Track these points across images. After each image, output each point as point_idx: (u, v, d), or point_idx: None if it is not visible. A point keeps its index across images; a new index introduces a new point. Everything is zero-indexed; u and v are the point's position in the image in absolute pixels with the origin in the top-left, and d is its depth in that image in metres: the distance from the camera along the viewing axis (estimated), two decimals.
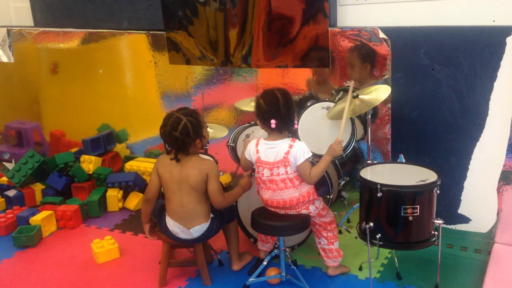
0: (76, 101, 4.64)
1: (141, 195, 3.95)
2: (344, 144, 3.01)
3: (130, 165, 4.16)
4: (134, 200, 3.97)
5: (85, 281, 3.03)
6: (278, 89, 2.66)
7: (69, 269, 3.16)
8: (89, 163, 4.10)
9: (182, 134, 2.64)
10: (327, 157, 2.68)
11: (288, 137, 2.70)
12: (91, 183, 4.10)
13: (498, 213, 3.06)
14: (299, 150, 2.61)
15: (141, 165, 4.14)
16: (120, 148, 4.54)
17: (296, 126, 2.66)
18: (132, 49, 4.24)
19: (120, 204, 3.99)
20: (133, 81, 4.35)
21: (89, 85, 4.52)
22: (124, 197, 4.03)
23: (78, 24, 4.38)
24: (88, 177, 4.10)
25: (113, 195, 3.95)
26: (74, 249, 3.41)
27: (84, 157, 4.13)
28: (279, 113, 2.59)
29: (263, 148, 2.71)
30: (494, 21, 2.82)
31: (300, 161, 2.61)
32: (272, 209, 2.78)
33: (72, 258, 3.29)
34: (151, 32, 4.06)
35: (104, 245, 3.25)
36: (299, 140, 2.72)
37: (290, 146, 2.63)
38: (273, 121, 2.59)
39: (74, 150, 4.43)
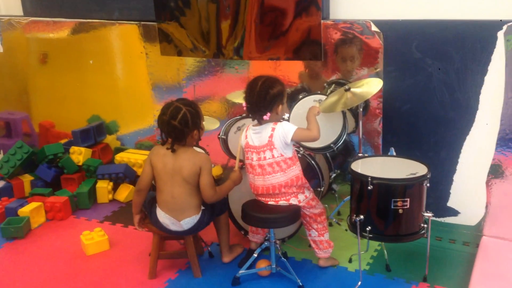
0: (66, 91, 4.59)
1: (131, 187, 3.94)
2: (335, 137, 3.02)
3: (120, 157, 4.14)
4: (124, 192, 3.95)
5: (74, 273, 3.01)
6: (266, 78, 2.70)
7: (58, 261, 3.15)
8: (79, 155, 4.07)
9: (181, 123, 2.63)
10: (311, 117, 2.77)
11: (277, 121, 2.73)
12: (80, 175, 4.07)
13: (486, 206, 3.09)
14: (283, 129, 2.66)
15: (131, 156, 4.11)
16: (110, 139, 4.51)
17: (266, 117, 2.66)
18: (123, 39, 4.20)
19: (110, 196, 3.98)
20: (124, 72, 4.32)
21: (79, 75, 4.48)
22: (114, 188, 4.01)
23: (68, 14, 4.33)
24: (78, 169, 4.07)
25: (103, 186, 3.93)
26: (63, 241, 3.39)
27: (73, 149, 4.10)
28: (251, 98, 2.67)
29: (250, 134, 2.75)
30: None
31: (290, 136, 2.65)
32: (261, 198, 2.78)
33: (61, 250, 3.28)
34: (142, 22, 4.02)
35: (94, 237, 3.24)
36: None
37: (273, 129, 2.67)
38: (244, 104, 2.71)
39: (63, 141, 4.39)
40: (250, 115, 2.76)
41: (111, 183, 3.98)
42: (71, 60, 4.47)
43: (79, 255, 3.20)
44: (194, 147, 2.93)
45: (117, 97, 4.40)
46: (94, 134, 4.30)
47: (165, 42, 3.93)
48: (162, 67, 4.08)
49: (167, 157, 2.73)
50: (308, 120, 2.78)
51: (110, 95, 4.42)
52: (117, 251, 3.24)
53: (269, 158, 2.69)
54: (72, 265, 3.10)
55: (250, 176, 2.79)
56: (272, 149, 2.67)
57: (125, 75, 4.32)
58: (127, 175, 3.94)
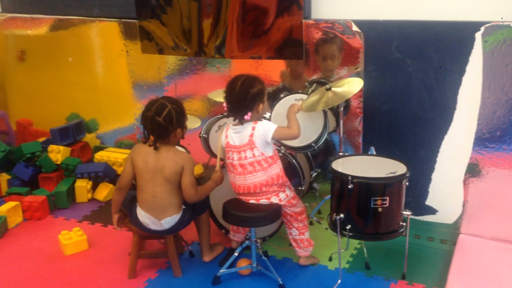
0: (44, 89, 4.53)
1: (111, 186, 3.90)
2: (316, 137, 3.04)
3: (100, 156, 4.09)
4: (104, 191, 3.91)
5: (52, 273, 2.97)
6: (246, 77, 2.69)
7: (36, 261, 3.10)
8: (57, 153, 4.01)
9: (165, 120, 2.62)
10: (292, 115, 2.78)
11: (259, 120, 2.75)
12: (59, 174, 4.02)
13: (463, 205, 3.14)
14: (263, 128, 2.67)
15: (111, 155, 4.07)
16: (89, 138, 4.46)
17: (247, 117, 2.66)
18: (103, 37, 4.16)
19: (89, 195, 3.93)
20: (104, 69, 4.27)
21: (58, 73, 4.42)
22: (94, 188, 3.97)
23: (47, 11, 4.26)
24: (56, 168, 4.02)
25: (82, 186, 3.88)
26: (40, 241, 3.33)
27: (52, 147, 4.04)
28: (231, 98, 2.67)
29: (231, 133, 2.74)
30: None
31: (270, 134, 2.66)
32: (243, 197, 2.78)
33: (38, 250, 3.22)
34: (123, 20, 3.99)
35: (72, 237, 3.20)
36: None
37: (253, 128, 2.67)
38: (224, 104, 2.70)
39: (41, 139, 4.33)
40: (231, 115, 2.75)
41: (90, 182, 3.94)
42: (49, 58, 4.41)
43: (57, 255, 3.16)
44: (177, 147, 2.92)
45: (96, 95, 4.35)
46: (73, 132, 4.25)
47: (146, 40, 3.90)
48: (143, 65, 4.05)
49: (149, 155, 2.70)
50: (288, 118, 2.79)
51: (89, 93, 4.37)
52: (96, 251, 3.20)
53: (250, 157, 2.69)
54: (50, 265, 3.05)
55: (231, 175, 2.79)
56: (252, 148, 2.68)
57: (105, 73, 4.28)
58: (107, 174, 3.90)
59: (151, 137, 2.70)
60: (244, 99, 2.63)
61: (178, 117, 2.65)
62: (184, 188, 2.70)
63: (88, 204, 3.88)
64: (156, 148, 2.68)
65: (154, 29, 3.83)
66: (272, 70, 3.55)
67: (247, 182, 2.72)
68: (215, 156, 3.19)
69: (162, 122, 2.62)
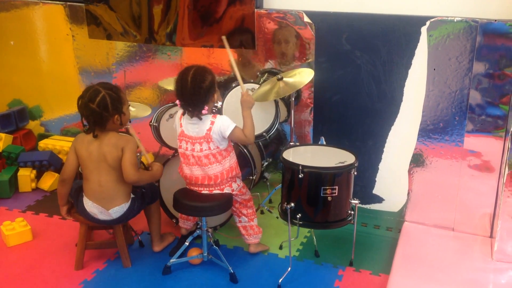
0: None
1: (56, 175, 3.77)
2: (267, 126, 3.06)
3: (44, 144, 3.95)
4: (49, 180, 3.78)
5: None
6: (194, 71, 2.60)
7: None
8: None
9: (99, 106, 2.55)
10: (247, 112, 2.73)
11: (212, 112, 2.71)
12: (0, 162, 3.84)
13: (408, 193, 3.25)
14: (222, 125, 2.64)
15: (56, 143, 3.94)
16: (33, 125, 4.30)
17: (205, 112, 2.61)
18: (48, 20, 4.00)
19: (33, 185, 3.79)
20: (48, 54, 4.11)
21: None
22: (38, 177, 3.82)
23: None
24: None
25: (25, 174, 3.73)
26: None
27: None
28: (182, 95, 2.61)
29: (186, 123, 2.69)
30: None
31: (228, 133, 2.64)
32: (195, 188, 2.76)
33: None
34: (68, 3, 3.84)
35: (15, 227, 3.08)
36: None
37: (212, 123, 2.64)
38: (177, 102, 2.64)
39: None
40: (187, 112, 2.65)
41: (35, 171, 3.79)
42: None
43: None
44: (122, 134, 2.85)
45: (41, 81, 4.19)
46: (15, 119, 4.10)
47: (93, 25, 3.78)
48: (90, 50, 3.93)
49: (92, 144, 2.64)
50: (244, 120, 2.72)
51: (33, 79, 4.21)
52: (41, 242, 3.10)
53: (205, 150, 2.66)
54: None
55: (184, 166, 2.75)
56: (209, 142, 2.65)
57: (50, 58, 4.12)
58: (52, 163, 3.77)
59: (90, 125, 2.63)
60: (199, 95, 2.57)
61: (113, 103, 2.59)
62: (123, 166, 2.62)
63: (32, 193, 3.74)
64: (95, 136, 2.61)
65: (102, 13, 3.71)
66: (223, 59, 3.53)
67: (201, 173, 2.70)
68: (166, 145, 3.15)
69: (96, 109, 2.56)
